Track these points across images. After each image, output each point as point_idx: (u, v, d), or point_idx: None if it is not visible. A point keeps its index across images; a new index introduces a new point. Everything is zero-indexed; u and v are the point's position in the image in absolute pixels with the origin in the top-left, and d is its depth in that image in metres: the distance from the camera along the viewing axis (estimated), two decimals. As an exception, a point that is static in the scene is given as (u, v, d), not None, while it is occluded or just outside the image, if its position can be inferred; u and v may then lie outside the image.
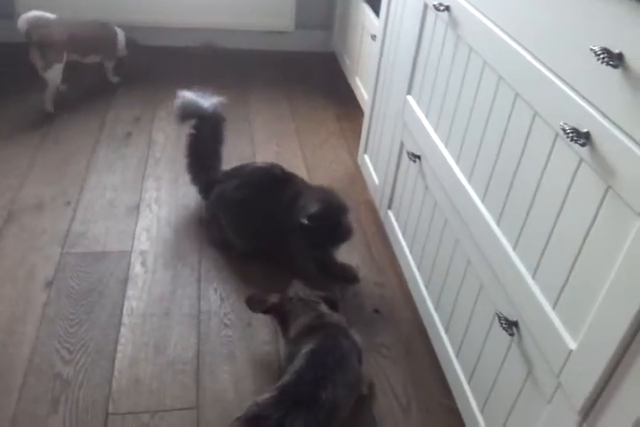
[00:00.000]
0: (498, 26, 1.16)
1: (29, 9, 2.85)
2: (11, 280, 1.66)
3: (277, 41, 3.25)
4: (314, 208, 1.62)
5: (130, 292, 1.66)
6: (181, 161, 1.99)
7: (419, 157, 1.58)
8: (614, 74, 0.81)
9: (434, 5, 1.41)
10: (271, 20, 3.16)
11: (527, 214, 1.05)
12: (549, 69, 0.98)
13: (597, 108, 0.85)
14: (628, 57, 0.79)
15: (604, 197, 0.84)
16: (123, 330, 1.54)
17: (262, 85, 2.91)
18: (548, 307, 0.97)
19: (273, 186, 1.75)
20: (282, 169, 1.81)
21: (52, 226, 1.88)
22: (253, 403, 1.17)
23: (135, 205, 2.01)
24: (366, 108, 2.15)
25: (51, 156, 2.24)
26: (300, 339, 1.34)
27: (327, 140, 2.51)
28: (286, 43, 3.25)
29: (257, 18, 3.14)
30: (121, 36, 2.68)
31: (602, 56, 0.80)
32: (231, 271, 1.78)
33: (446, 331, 1.42)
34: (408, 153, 1.62)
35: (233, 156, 2.21)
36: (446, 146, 1.42)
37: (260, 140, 2.46)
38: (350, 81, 2.85)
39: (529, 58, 1.03)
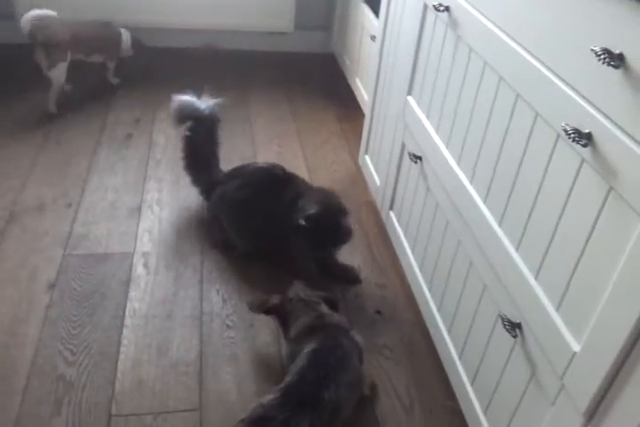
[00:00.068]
0: (498, 26, 1.16)
1: (30, 9, 2.88)
2: (13, 282, 1.67)
3: (277, 42, 3.25)
4: (312, 209, 1.62)
5: (132, 293, 1.66)
6: (182, 163, 1.99)
7: (420, 158, 1.58)
8: (615, 74, 0.81)
9: (433, 6, 1.42)
10: (271, 21, 3.16)
11: (529, 215, 1.05)
12: (550, 70, 0.98)
13: (599, 109, 0.85)
14: (629, 57, 0.79)
15: (606, 198, 0.85)
16: (125, 332, 1.54)
17: (263, 86, 2.91)
18: (551, 308, 0.97)
19: (274, 186, 1.76)
20: (283, 169, 1.82)
21: (54, 227, 1.89)
22: (258, 404, 1.17)
23: (137, 206, 2.02)
24: (367, 108, 2.15)
25: (52, 156, 2.24)
26: (301, 339, 1.34)
27: (328, 141, 2.51)
28: (286, 44, 3.26)
29: (257, 19, 3.14)
30: (125, 36, 2.69)
31: (603, 56, 0.80)
32: (233, 272, 1.78)
33: (449, 332, 1.42)
34: (409, 154, 1.62)
35: (234, 156, 2.22)
36: (447, 147, 1.42)
37: (262, 141, 2.47)
38: (350, 82, 2.85)
39: (529, 58, 1.03)
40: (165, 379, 1.43)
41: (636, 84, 0.78)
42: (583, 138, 0.86)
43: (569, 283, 0.93)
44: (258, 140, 2.47)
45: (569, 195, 0.93)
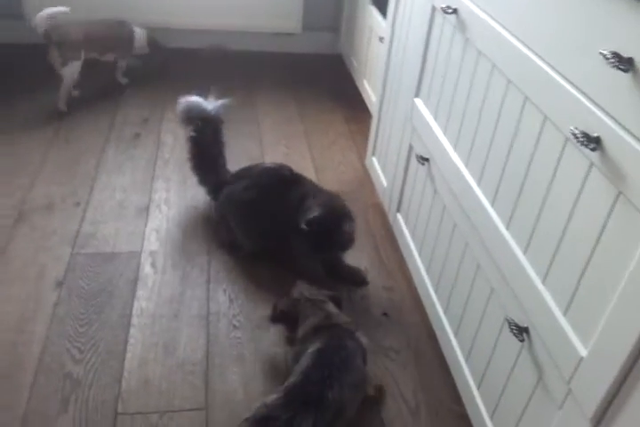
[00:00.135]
0: (506, 29, 1.16)
1: (39, 9, 2.89)
2: (21, 280, 1.68)
3: (285, 43, 3.25)
4: (314, 213, 1.62)
5: (139, 292, 1.67)
6: (188, 163, 2.00)
7: (427, 160, 1.58)
8: (624, 78, 0.81)
9: (441, 8, 1.42)
10: (279, 22, 3.17)
11: (537, 219, 1.05)
12: (559, 73, 0.98)
13: (608, 113, 0.85)
14: (639, 61, 0.79)
15: (614, 203, 0.84)
16: (132, 330, 1.55)
17: (270, 87, 2.92)
18: (558, 313, 0.97)
19: (281, 187, 1.76)
20: (290, 170, 1.82)
21: (62, 226, 1.90)
22: (262, 404, 1.18)
23: (145, 206, 2.03)
24: (374, 110, 2.15)
25: (61, 155, 2.26)
26: (306, 339, 1.35)
27: (335, 142, 2.52)
28: (294, 45, 3.26)
29: (264, 20, 3.14)
30: (140, 34, 2.70)
31: (612, 60, 0.80)
32: (240, 272, 1.78)
33: (456, 335, 1.42)
34: (417, 156, 1.62)
35: (242, 157, 2.23)
36: (455, 149, 1.42)
37: (269, 142, 2.47)
38: (358, 83, 2.85)
39: (538, 61, 1.03)
40: (172, 378, 1.43)
41: (646, 89, 0.78)
42: (592, 142, 0.86)
43: (577, 287, 0.93)
44: (265, 141, 2.48)
45: (577, 199, 0.93)
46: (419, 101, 1.66)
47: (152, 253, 1.82)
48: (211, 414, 1.36)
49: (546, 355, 1.01)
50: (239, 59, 3.15)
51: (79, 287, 1.67)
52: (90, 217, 1.95)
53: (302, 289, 1.46)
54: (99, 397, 1.37)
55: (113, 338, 1.52)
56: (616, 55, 0.80)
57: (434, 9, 1.53)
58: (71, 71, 2.46)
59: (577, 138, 0.88)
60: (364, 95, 2.74)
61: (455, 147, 1.42)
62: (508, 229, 1.16)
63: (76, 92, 2.62)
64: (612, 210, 0.85)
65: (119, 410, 1.35)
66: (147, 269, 1.76)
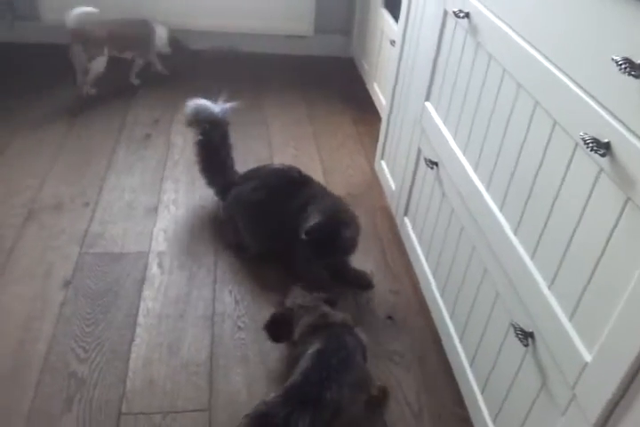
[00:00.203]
0: (518, 33, 1.15)
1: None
2: (29, 278, 1.69)
3: (296, 45, 3.26)
4: (313, 222, 1.62)
5: (146, 292, 1.68)
6: (197, 166, 2.00)
7: (436, 164, 1.58)
8: (636, 84, 0.80)
9: (453, 12, 1.41)
10: (291, 24, 3.18)
11: (545, 224, 1.04)
12: (570, 78, 0.97)
13: (618, 119, 0.84)
14: (651, 67, 0.78)
15: (623, 209, 0.84)
16: (138, 330, 1.55)
17: (281, 89, 2.93)
18: (564, 318, 0.96)
19: (289, 188, 1.76)
20: (299, 172, 1.82)
21: (71, 226, 1.91)
22: (261, 402, 1.20)
23: (153, 206, 2.03)
24: (384, 113, 2.15)
25: (71, 155, 2.27)
26: (304, 339, 1.36)
27: (344, 145, 2.52)
28: (305, 47, 3.27)
29: (277, 22, 3.16)
30: (161, 33, 2.75)
31: (623, 66, 0.80)
32: (246, 274, 1.79)
33: (460, 340, 1.42)
34: (425, 160, 1.62)
35: (250, 158, 2.23)
36: (464, 153, 1.42)
37: (278, 144, 2.48)
38: (368, 86, 2.86)
39: (549, 66, 1.03)
40: (176, 378, 1.44)
41: (657, 94, 0.77)
42: (602, 147, 0.86)
43: (583, 293, 0.92)
44: (274, 143, 2.48)
45: (586, 204, 0.92)
46: (429, 105, 1.66)
47: (159, 254, 1.83)
48: (214, 415, 1.36)
49: (550, 360, 1.00)
50: (250, 60, 3.16)
51: (86, 287, 1.68)
52: (98, 217, 1.96)
53: (295, 297, 1.47)
54: (103, 396, 1.38)
55: (118, 338, 1.53)
56: (627, 61, 0.79)
57: (446, 13, 1.53)
58: (98, 66, 2.55)
59: (587, 143, 0.87)
60: (374, 98, 2.74)
61: (464, 151, 1.42)
62: (515, 233, 1.15)
63: (92, 91, 2.66)
64: (620, 216, 0.84)
65: (123, 410, 1.35)
66: (154, 269, 1.77)
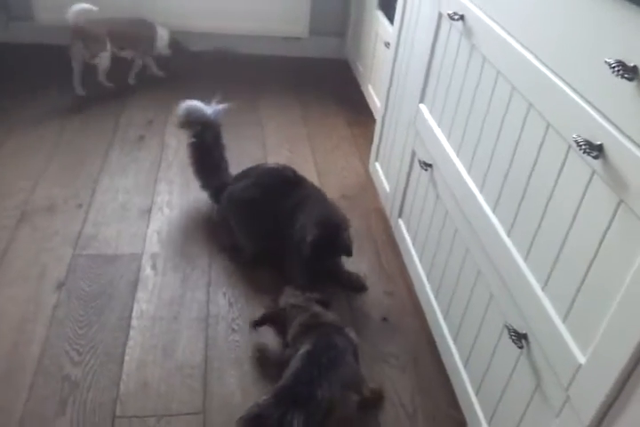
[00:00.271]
0: (512, 36, 1.16)
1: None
2: (22, 280, 1.68)
3: (291, 47, 3.26)
4: (312, 233, 1.62)
5: (140, 294, 1.67)
6: (191, 169, 1.99)
7: (430, 166, 1.58)
8: (629, 87, 0.81)
9: (448, 14, 1.42)
10: (286, 26, 3.18)
11: (539, 226, 1.05)
12: (563, 81, 0.97)
13: (611, 121, 0.85)
14: (643, 70, 0.79)
15: (616, 211, 0.84)
16: (132, 333, 1.55)
17: (275, 91, 2.93)
18: (557, 320, 0.97)
19: (283, 188, 1.77)
20: (293, 171, 1.83)
21: (64, 228, 1.90)
22: (254, 404, 1.20)
23: (147, 208, 2.03)
24: (378, 115, 2.15)
25: (64, 157, 2.26)
26: (296, 339, 1.36)
27: (339, 146, 2.52)
28: (300, 49, 3.27)
29: (272, 24, 3.15)
30: (162, 34, 2.76)
31: (616, 69, 0.80)
32: (240, 276, 1.78)
33: (455, 341, 1.42)
34: (419, 161, 1.62)
35: (245, 160, 2.22)
36: (458, 155, 1.42)
37: (272, 145, 2.48)
38: (363, 88, 2.86)
39: (543, 69, 1.03)
40: (170, 381, 1.43)
41: (649, 97, 0.77)
42: (594, 150, 0.86)
43: (576, 295, 0.93)
44: (269, 144, 2.48)
45: (579, 206, 0.93)
46: (423, 107, 1.66)
47: (153, 256, 1.82)
48: (208, 417, 1.36)
49: (544, 362, 1.00)
50: (245, 62, 3.16)
51: (80, 289, 1.67)
52: (92, 219, 1.95)
53: (288, 296, 1.47)
54: (97, 399, 1.37)
55: (112, 340, 1.52)
56: (621, 64, 0.80)
57: (440, 15, 1.53)
58: (103, 62, 2.61)
59: (579, 145, 0.88)
60: (368, 100, 2.74)
61: (458, 153, 1.42)
62: (509, 235, 1.16)
63: (110, 84, 2.73)
64: (613, 218, 0.85)
65: (117, 413, 1.35)
66: (147, 271, 1.76)
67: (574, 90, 0.94)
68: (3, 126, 2.40)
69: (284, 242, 1.73)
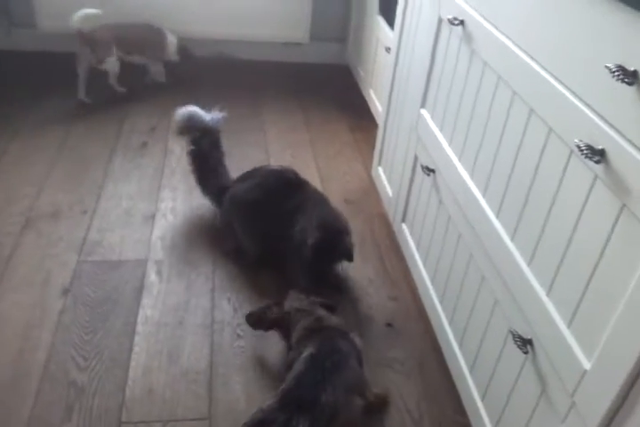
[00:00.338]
0: (512, 41, 1.16)
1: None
2: (27, 286, 1.69)
3: (292, 52, 3.28)
4: (314, 236, 1.63)
5: (144, 300, 1.68)
6: (193, 176, 2.00)
7: (433, 171, 1.58)
8: (629, 91, 0.81)
9: (448, 19, 1.43)
10: (286, 31, 3.19)
11: (542, 231, 1.05)
12: (564, 85, 0.98)
13: (612, 126, 0.85)
14: (644, 75, 0.79)
15: (619, 215, 0.84)
16: (137, 339, 1.55)
17: (277, 96, 2.94)
18: (562, 325, 0.97)
19: (285, 189, 1.78)
20: (295, 173, 1.84)
21: (69, 234, 1.91)
22: (258, 409, 1.20)
23: (151, 214, 2.04)
24: (380, 120, 2.16)
25: (68, 163, 2.27)
26: (300, 343, 1.36)
27: (341, 152, 2.52)
28: (301, 54, 3.28)
29: (272, 29, 3.17)
30: (171, 40, 2.79)
31: (617, 73, 0.81)
32: (244, 282, 1.79)
33: (460, 346, 1.42)
34: (422, 166, 1.63)
35: (247, 165, 2.21)
36: (460, 160, 1.43)
37: (275, 150, 2.48)
38: (364, 93, 2.87)
39: (544, 74, 1.04)
40: (175, 387, 1.44)
41: (651, 102, 0.78)
42: (596, 154, 0.87)
43: (581, 300, 0.93)
44: (271, 150, 2.49)
45: (581, 211, 0.93)
46: (424, 112, 1.67)
47: (157, 262, 1.83)
48: (214, 423, 1.36)
49: (549, 367, 1.00)
50: (247, 68, 3.17)
51: (85, 295, 1.68)
52: (96, 225, 1.96)
53: (293, 300, 1.48)
54: (103, 405, 1.38)
55: (118, 346, 1.53)
56: (621, 68, 0.81)
57: (440, 20, 1.54)
58: (111, 66, 2.63)
59: (581, 150, 0.88)
60: (370, 105, 2.75)
61: (460, 158, 1.43)
62: (512, 240, 1.16)
63: (123, 89, 2.75)
64: (616, 222, 0.85)
65: (123, 419, 1.35)
66: (152, 277, 1.77)
67: (575, 95, 0.95)
68: (6, 133, 2.42)
69: (285, 244, 1.73)
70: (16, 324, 1.56)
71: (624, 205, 0.83)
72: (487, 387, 1.26)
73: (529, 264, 1.09)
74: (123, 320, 1.61)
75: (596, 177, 0.90)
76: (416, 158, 1.73)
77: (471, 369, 1.35)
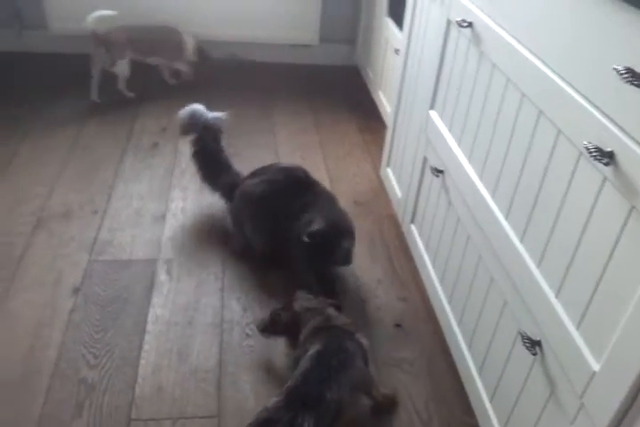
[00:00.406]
0: (521, 43, 1.17)
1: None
2: (39, 286, 1.71)
3: (302, 54, 3.29)
4: (316, 226, 1.64)
5: (155, 300, 1.69)
6: (198, 175, 2.01)
7: (442, 172, 1.59)
8: (638, 93, 0.81)
9: (457, 22, 1.43)
10: (296, 33, 3.20)
11: (551, 232, 1.05)
12: (573, 88, 0.98)
13: (621, 128, 0.86)
14: (653, 77, 0.79)
15: (628, 217, 0.85)
16: (147, 337, 1.57)
17: (287, 98, 2.95)
18: (571, 327, 0.97)
19: (294, 187, 1.79)
20: (305, 172, 1.85)
21: (80, 233, 1.93)
22: (263, 408, 1.20)
23: (161, 214, 2.05)
24: (389, 121, 2.17)
25: (79, 163, 2.30)
26: (307, 340, 1.37)
27: (351, 153, 2.53)
28: (311, 56, 3.29)
29: (282, 31, 3.18)
30: (189, 42, 2.82)
31: (625, 76, 0.81)
32: (254, 282, 1.80)
33: (469, 347, 1.42)
34: (431, 168, 1.63)
35: (256, 167, 2.24)
36: (469, 161, 1.43)
37: (285, 152, 2.49)
38: (373, 95, 2.87)
39: (552, 76, 1.04)
40: (185, 385, 1.45)
41: (660, 105, 0.78)
42: (605, 156, 0.87)
43: (590, 301, 0.93)
44: (281, 151, 2.50)
45: (591, 213, 0.93)
46: (433, 113, 1.67)
47: (168, 261, 1.84)
48: (222, 421, 1.37)
49: (558, 369, 1.00)
50: (256, 70, 3.19)
51: (95, 294, 1.69)
52: (107, 224, 1.98)
53: (302, 301, 1.48)
54: (113, 402, 1.39)
55: (128, 344, 1.54)
56: (629, 70, 0.81)
57: (449, 22, 1.55)
58: (121, 69, 2.65)
59: (590, 152, 0.89)
60: (379, 106, 2.76)
61: (469, 159, 1.43)
62: (521, 242, 1.16)
63: (131, 95, 2.78)
64: (625, 224, 0.85)
65: (132, 416, 1.36)
66: (162, 276, 1.78)
67: (584, 97, 0.95)
68: (18, 134, 2.44)
69: (289, 240, 1.74)
70: (27, 322, 1.58)
71: (633, 207, 0.83)
72: (496, 388, 1.26)
73: (538, 266, 1.09)
74: (133, 319, 1.62)
75: (604, 179, 0.90)
76: (425, 159, 1.74)
77: (480, 370, 1.35)
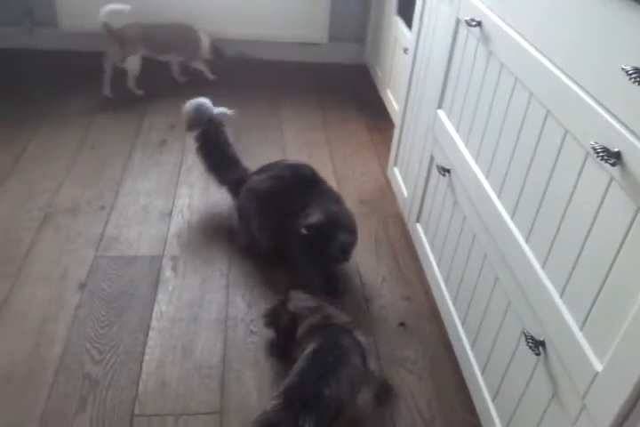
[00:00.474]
0: (530, 42, 1.16)
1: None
2: (45, 281, 1.72)
3: (311, 53, 3.29)
4: (314, 219, 1.64)
5: (160, 296, 1.70)
6: (202, 166, 2.02)
7: (448, 171, 1.58)
8: (647, 94, 0.81)
9: (465, 21, 1.42)
10: (305, 32, 3.20)
11: (557, 232, 1.05)
12: (581, 87, 0.98)
13: (629, 128, 0.85)
14: (662, 77, 0.79)
15: (634, 218, 0.84)
16: (151, 333, 1.57)
17: (295, 96, 2.95)
18: (575, 327, 0.97)
19: (300, 184, 1.79)
20: (312, 170, 1.85)
21: (87, 229, 1.94)
22: (262, 411, 1.20)
23: (168, 211, 2.06)
24: (397, 120, 2.16)
25: (87, 160, 2.31)
26: (304, 339, 1.37)
27: (358, 151, 2.53)
28: (319, 54, 3.29)
29: (291, 30, 3.19)
30: (205, 39, 2.84)
31: (633, 75, 0.80)
32: (259, 279, 1.80)
33: (472, 347, 1.42)
34: (438, 167, 1.63)
35: (263, 164, 2.24)
36: (476, 161, 1.43)
37: (292, 150, 2.50)
38: (382, 93, 2.87)
39: (560, 75, 1.03)
40: (188, 381, 1.45)
41: (668, 105, 0.77)
42: (612, 157, 0.86)
43: (594, 302, 0.92)
44: (288, 149, 2.50)
45: (597, 213, 0.93)
46: (441, 113, 1.67)
47: (173, 258, 1.85)
48: (225, 418, 1.37)
49: (561, 369, 1.00)
50: (265, 68, 3.19)
51: (101, 290, 1.70)
52: (114, 221, 1.99)
53: (296, 300, 1.48)
54: (116, 398, 1.40)
55: (132, 340, 1.55)
56: (637, 70, 0.80)
57: (458, 21, 1.54)
58: (132, 66, 2.66)
59: (597, 152, 0.88)
60: (387, 105, 2.75)
61: (476, 158, 1.43)
62: (527, 242, 1.16)
63: (140, 92, 2.77)
64: (631, 225, 0.85)
65: (136, 412, 1.37)
66: (168, 273, 1.79)
67: (592, 97, 0.94)
68: (27, 129, 2.46)
69: (291, 237, 1.74)
70: (33, 318, 1.59)
71: (639, 208, 0.83)
72: (499, 388, 1.26)
73: (543, 266, 1.09)
74: (138, 315, 1.63)
75: (611, 179, 0.89)
76: (432, 159, 1.73)
77: (483, 370, 1.35)
